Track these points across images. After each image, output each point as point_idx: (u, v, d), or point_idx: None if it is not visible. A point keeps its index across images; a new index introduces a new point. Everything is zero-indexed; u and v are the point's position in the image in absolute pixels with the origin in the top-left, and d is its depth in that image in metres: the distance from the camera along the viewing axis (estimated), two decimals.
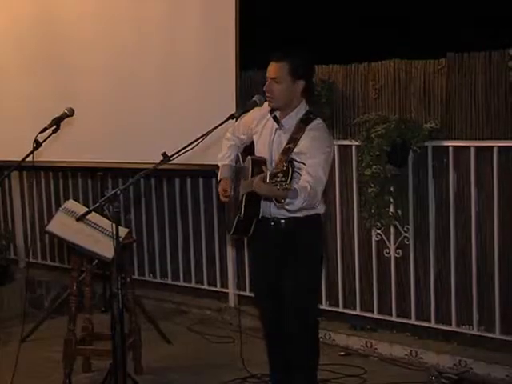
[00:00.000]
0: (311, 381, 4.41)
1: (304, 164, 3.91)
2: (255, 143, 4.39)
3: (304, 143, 4.06)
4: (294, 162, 3.80)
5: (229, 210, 4.47)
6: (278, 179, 3.66)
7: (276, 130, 4.25)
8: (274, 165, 4.09)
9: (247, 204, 4.16)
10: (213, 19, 5.71)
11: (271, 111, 4.30)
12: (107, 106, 6.20)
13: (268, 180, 3.73)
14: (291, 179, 3.70)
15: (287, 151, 4.05)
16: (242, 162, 4.40)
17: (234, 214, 4.27)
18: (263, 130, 4.33)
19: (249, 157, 4.31)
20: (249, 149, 4.58)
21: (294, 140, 4.11)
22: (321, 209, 4.32)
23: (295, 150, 4.03)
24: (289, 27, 7.97)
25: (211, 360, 5.63)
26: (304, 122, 4.19)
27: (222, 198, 4.44)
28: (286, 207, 3.94)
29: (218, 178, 4.51)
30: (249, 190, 4.05)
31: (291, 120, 4.22)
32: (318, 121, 4.23)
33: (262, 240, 4.32)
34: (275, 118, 4.27)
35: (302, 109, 4.25)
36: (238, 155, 4.50)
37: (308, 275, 4.27)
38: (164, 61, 5.95)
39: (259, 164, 4.17)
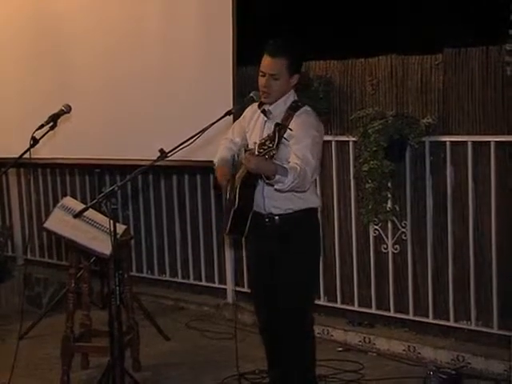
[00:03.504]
0: (308, 378, 4.40)
1: (291, 129, 3.86)
2: (248, 140, 4.38)
3: (292, 128, 4.05)
4: (280, 127, 3.75)
5: (226, 212, 4.44)
6: (266, 147, 3.67)
7: (265, 122, 4.25)
8: None
9: (241, 195, 4.12)
10: (209, 15, 5.70)
11: (259, 106, 4.30)
12: (104, 102, 6.19)
13: (257, 151, 3.71)
14: (278, 144, 3.67)
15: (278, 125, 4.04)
16: (237, 159, 4.37)
17: (230, 211, 4.24)
18: (255, 126, 4.32)
19: (242, 149, 4.30)
20: None
21: (283, 126, 4.10)
22: (315, 202, 4.31)
23: (285, 136, 4.01)
24: (286, 23, 7.96)
25: (209, 356, 5.64)
26: (293, 109, 4.19)
27: (221, 180, 4.36)
28: (276, 186, 3.91)
29: (214, 168, 4.45)
30: (243, 174, 4.03)
31: (279, 108, 4.21)
32: (307, 108, 4.23)
33: (257, 237, 4.29)
34: (263, 112, 4.26)
35: (290, 97, 4.24)
36: (234, 156, 4.46)
37: (304, 272, 4.24)
38: (161, 57, 5.94)
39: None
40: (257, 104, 4.31)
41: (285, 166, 3.87)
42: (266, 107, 4.26)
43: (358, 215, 5.72)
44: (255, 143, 3.84)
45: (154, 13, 5.97)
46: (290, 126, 4.04)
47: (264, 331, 4.55)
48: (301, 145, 3.98)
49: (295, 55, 4.18)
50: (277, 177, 3.82)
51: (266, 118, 4.24)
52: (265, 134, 4.18)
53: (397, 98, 5.60)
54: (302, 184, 3.96)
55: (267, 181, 3.93)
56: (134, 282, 6.03)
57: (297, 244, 4.22)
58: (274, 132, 3.70)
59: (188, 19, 5.79)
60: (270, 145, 3.67)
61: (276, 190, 3.98)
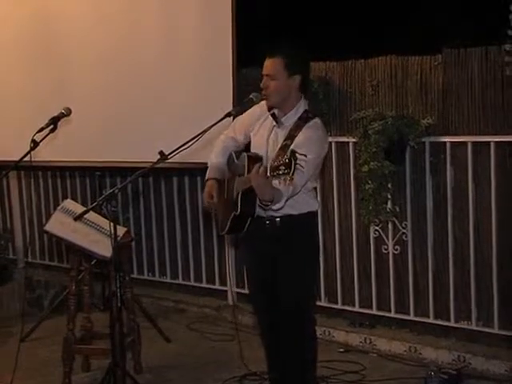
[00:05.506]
0: (309, 379, 4.39)
1: (305, 156, 3.77)
2: (252, 140, 4.36)
3: (299, 140, 4.03)
4: (296, 155, 3.71)
5: (220, 210, 4.42)
6: (280, 172, 3.59)
7: (273, 127, 4.23)
8: (269, 161, 3.93)
9: (243, 201, 4.09)
10: (210, 16, 5.70)
11: (269, 109, 4.28)
12: (104, 105, 6.19)
13: (269, 173, 3.65)
14: (294, 171, 3.58)
15: (285, 148, 4.01)
16: (235, 159, 4.35)
17: (229, 212, 4.22)
18: (261, 127, 4.29)
19: (244, 153, 4.24)
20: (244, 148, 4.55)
21: (291, 137, 4.08)
22: (315, 206, 4.31)
23: (291, 147, 3.99)
24: (286, 24, 7.98)
25: (210, 358, 5.64)
26: (303, 120, 4.15)
27: (206, 203, 4.35)
28: (272, 207, 3.94)
29: (205, 179, 4.43)
30: (247, 186, 4.00)
31: (291, 118, 4.18)
32: (317, 120, 4.19)
33: (257, 239, 4.28)
34: (273, 116, 4.25)
35: (301, 107, 4.21)
36: (232, 154, 4.43)
37: (303, 274, 4.24)
38: (160, 59, 5.95)
39: (255, 161, 4.07)
40: (266, 106, 4.29)
41: (280, 188, 3.82)
42: (276, 111, 4.25)
43: (358, 216, 5.73)
44: (268, 167, 3.75)
45: (153, 14, 5.98)
46: (297, 137, 4.04)
47: (264, 333, 4.54)
48: (302, 156, 3.94)
49: (292, 55, 4.15)
50: (270, 204, 3.84)
51: (274, 123, 4.23)
52: (270, 140, 4.20)
53: (396, 98, 5.61)
54: (290, 198, 3.98)
55: (259, 204, 3.94)
56: (135, 283, 6.03)
57: (297, 246, 4.21)
58: (290, 160, 3.58)
59: (188, 20, 5.79)
60: (286, 171, 3.58)
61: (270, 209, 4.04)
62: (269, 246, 4.24)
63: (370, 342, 5.64)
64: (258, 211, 4.18)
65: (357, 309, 5.88)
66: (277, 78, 4.12)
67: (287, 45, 4.22)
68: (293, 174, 3.58)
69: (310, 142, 4.02)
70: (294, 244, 4.22)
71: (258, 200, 3.95)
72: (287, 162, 3.58)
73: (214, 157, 4.45)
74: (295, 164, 3.57)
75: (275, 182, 3.77)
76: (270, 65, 4.14)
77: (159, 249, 7.05)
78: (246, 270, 4.79)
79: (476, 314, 5.33)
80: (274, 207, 3.94)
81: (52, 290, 7.03)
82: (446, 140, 5.34)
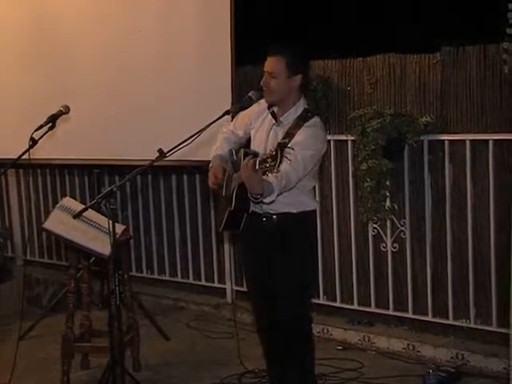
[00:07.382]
0: (308, 377, 4.39)
1: (292, 149, 3.80)
2: (252, 138, 4.37)
3: (298, 139, 4.04)
4: (285, 149, 3.73)
5: (220, 206, 4.44)
6: (268, 164, 3.65)
7: (273, 125, 4.24)
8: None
9: (238, 196, 4.10)
10: (208, 15, 5.70)
11: (269, 107, 4.29)
12: (103, 103, 6.19)
13: (258, 166, 3.69)
14: (280, 163, 3.65)
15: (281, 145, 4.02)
16: (235, 157, 4.36)
17: (226, 209, 4.23)
18: (261, 125, 4.31)
19: (241, 149, 4.27)
20: (244, 146, 4.56)
21: (289, 135, 4.08)
22: (312, 205, 4.31)
23: (289, 145, 3.99)
24: (285, 22, 7.97)
25: (209, 356, 5.64)
26: (302, 119, 4.16)
27: (211, 184, 4.32)
28: (263, 200, 3.93)
29: (209, 167, 4.42)
30: (240, 181, 4.00)
31: (290, 117, 4.19)
32: (317, 119, 4.20)
33: (254, 236, 4.28)
34: (273, 114, 4.25)
35: (300, 106, 4.22)
36: (232, 151, 4.44)
37: (301, 271, 4.24)
38: (159, 57, 5.95)
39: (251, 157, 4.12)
40: (266, 104, 4.30)
41: (271, 181, 3.81)
42: (275, 110, 4.26)
43: (356, 214, 5.73)
44: (258, 160, 3.78)
45: (152, 12, 5.98)
46: (297, 135, 4.05)
47: (262, 330, 4.55)
48: (299, 153, 3.92)
49: (294, 55, 4.17)
50: (260, 197, 3.83)
51: (273, 121, 4.24)
52: (270, 138, 4.21)
53: (395, 96, 5.61)
54: (284, 191, 3.96)
55: (250, 197, 3.93)
56: (134, 281, 6.04)
57: (293, 244, 4.21)
58: (276, 152, 3.64)
59: (187, 19, 5.79)
60: (272, 164, 3.63)
61: (262, 202, 4.00)
62: (265, 243, 4.25)
63: (369, 340, 5.65)
64: (255, 207, 4.18)
65: (355, 307, 5.88)
66: (278, 77, 4.14)
67: (290, 44, 4.22)
68: (278, 166, 3.64)
69: (308, 139, 4.03)
70: (290, 242, 4.21)
71: (249, 194, 3.95)
72: (274, 154, 3.64)
73: (216, 148, 4.45)
74: (281, 156, 3.60)
75: (270, 176, 3.78)
76: (272, 63, 4.15)
77: (158, 246, 7.05)
78: (243, 269, 4.79)
79: (474, 311, 5.34)
80: (266, 200, 3.89)
81: (51, 287, 7.03)
82: (444, 138, 5.34)
